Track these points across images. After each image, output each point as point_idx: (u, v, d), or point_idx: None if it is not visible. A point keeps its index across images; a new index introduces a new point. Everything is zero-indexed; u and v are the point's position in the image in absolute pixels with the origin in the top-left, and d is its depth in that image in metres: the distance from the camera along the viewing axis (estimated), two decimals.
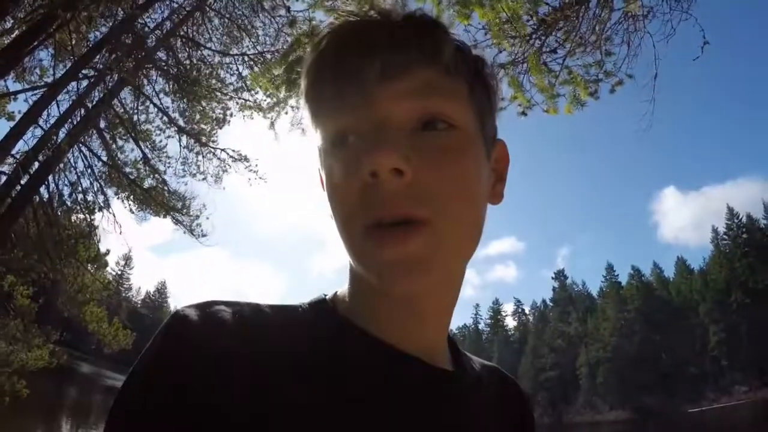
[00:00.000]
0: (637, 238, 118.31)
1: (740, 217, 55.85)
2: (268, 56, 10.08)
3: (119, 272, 61.37)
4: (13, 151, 9.41)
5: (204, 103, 10.74)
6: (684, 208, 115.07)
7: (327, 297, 0.56)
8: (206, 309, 0.47)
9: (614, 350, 56.73)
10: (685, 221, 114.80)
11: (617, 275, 64.78)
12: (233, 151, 11.44)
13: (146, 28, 10.61)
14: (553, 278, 72.75)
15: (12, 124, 9.55)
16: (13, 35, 8.92)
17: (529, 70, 5.77)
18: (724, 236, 56.21)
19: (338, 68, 0.49)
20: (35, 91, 9.77)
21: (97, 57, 10.11)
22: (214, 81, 10.77)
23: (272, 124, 4.61)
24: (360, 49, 0.48)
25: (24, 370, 10.29)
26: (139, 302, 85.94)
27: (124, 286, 66.92)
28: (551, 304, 71.29)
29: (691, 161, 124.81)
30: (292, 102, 4.25)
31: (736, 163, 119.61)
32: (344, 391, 0.46)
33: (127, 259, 63.96)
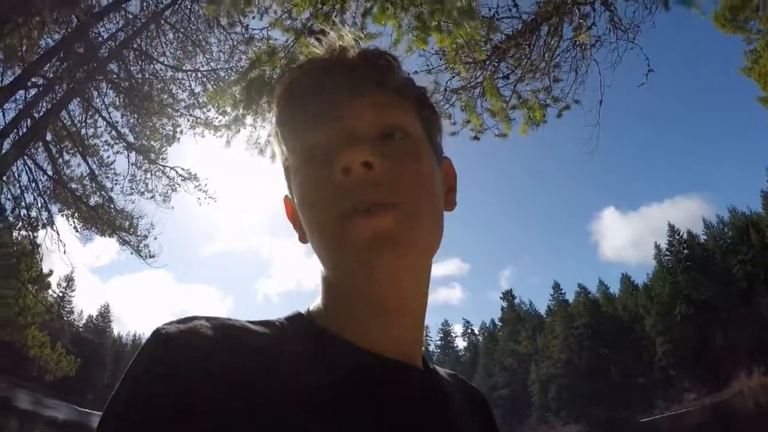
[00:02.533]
0: (579, 257, 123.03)
1: (681, 234, 58.76)
2: (222, 73, 9.97)
3: (61, 294, 58.18)
4: None
5: (155, 119, 10.44)
6: (623, 228, 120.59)
7: (303, 312, 0.58)
8: (187, 324, 0.47)
9: (564, 366, 58.08)
10: (625, 240, 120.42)
11: (564, 293, 66.67)
12: (183, 169, 11.22)
13: (99, 38, 10.29)
14: (501, 298, 73.90)
15: None
16: None
17: (483, 93, 5.98)
18: (667, 252, 58.90)
19: (308, 94, 0.56)
20: None
21: (48, 65, 9.71)
22: (165, 96, 10.49)
23: (228, 143, 4.55)
24: (326, 78, 0.56)
25: None
26: (82, 326, 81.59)
27: (66, 309, 63.29)
28: (500, 323, 72.25)
29: (630, 182, 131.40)
30: (249, 120, 4.22)
31: (673, 184, 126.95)
32: (332, 398, 0.47)
33: (69, 280, 60.74)
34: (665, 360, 52.50)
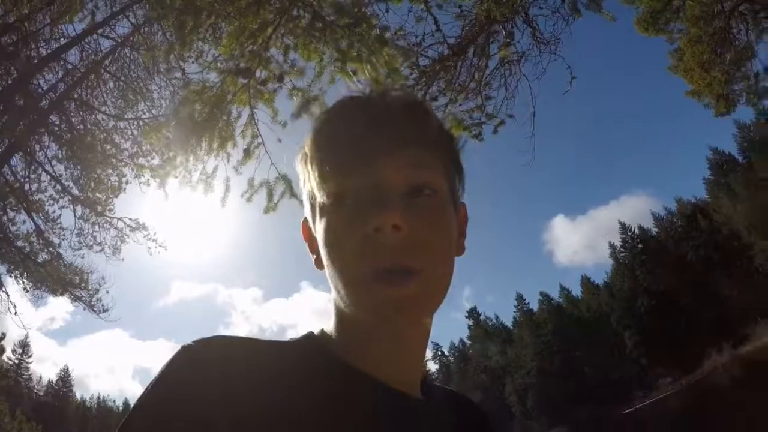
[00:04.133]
0: (536, 267, 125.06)
1: (633, 230, 60.98)
2: (163, 119, 9.97)
3: (17, 361, 54.99)
4: None
5: (99, 170, 10.31)
6: (575, 233, 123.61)
7: (315, 333, 0.65)
8: (209, 343, 0.54)
9: (539, 373, 58.65)
10: (579, 244, 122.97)
11: (528, 303, 67.89)
12: (130, 219, 11.12)
13: (39, 90, 10.19)
14: (466, 317, 74.42)
15: None
16: None
17: None
18: (621, 249, 60.88)
19: (349, 137, 0.59)
20: None
21: None
22: (108, 146, 10.41)
23: (162, 185, 4.67)
24: (365, 122, 0.60)
25: None
26: (42, 392, 77.19)
27: (24, 375, 59.84)
28: (469, 342, 72.86)
29: (574, 188, 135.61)
30: (180, 160, 4.34)
31: (617, 184, 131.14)
32: (340, 421, 0.53)
33: (25, 346, 57.52)
34: (636, 351, 53.89)
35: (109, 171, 10.70)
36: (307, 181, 0.64)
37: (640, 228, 61.35)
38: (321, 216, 0.61)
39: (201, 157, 4.25)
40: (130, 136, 10.77)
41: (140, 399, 0.49)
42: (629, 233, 60.94)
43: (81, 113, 10.47)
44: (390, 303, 0.54)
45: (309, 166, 0.62)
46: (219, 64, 4.62)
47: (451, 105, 7.02)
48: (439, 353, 78.88)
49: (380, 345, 0.60)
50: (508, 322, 70.55)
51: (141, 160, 10.18)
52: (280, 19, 3.95)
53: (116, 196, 10.90)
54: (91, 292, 11.22)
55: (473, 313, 73.90)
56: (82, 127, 10.44)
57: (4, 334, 12.13)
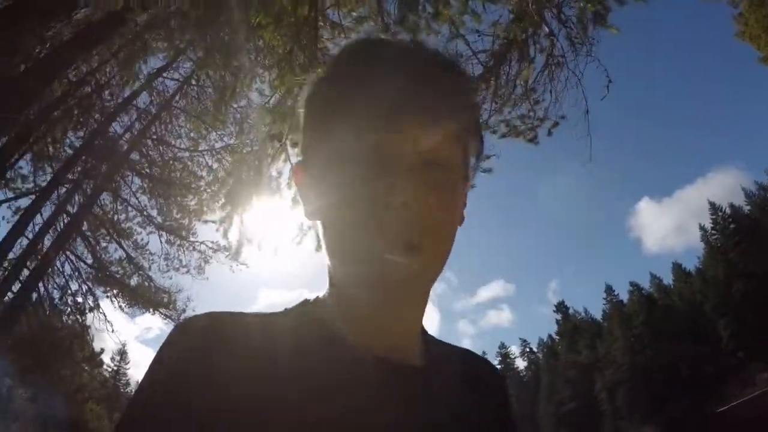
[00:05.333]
0: (625, 256, 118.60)
1: (723, 209, 56.39)
2: (235, 146, 10.60)
3: (116, 368, 59.98)
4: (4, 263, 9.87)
5: (179, 198, 11.27)
6: (662, 217, 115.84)
7: (310, 301, 0.65)
8: (205, 318, 0.55)
9: (630, 369, 55.51)
10: (667, 228, 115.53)
11: (617, 294, 64.36)
12: (212, 242, 11.92)
13: (117, 133, 11.29)
14: (554, 311, 72.02)
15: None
16: None
17: None
18: (713, 231, 56.52)
19: (376, 92, 0.55)
20: (18, 200, 10.33)
21: (77, 164, 10.69)
22: (185, 175, 11.32)
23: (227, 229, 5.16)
24: (400, 78, 0.55)
25: None
26: None
27: (122, 381, 65.12)
28: (557, 337, 70.30)
29: (658, 170, 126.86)
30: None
31: (702, 161, 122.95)
32: (321, 391, 0.53)
33: (122, 353, 62.64)
34: (732, 343, 49.94)
35: (189, 197, 11.61)
36: (318, 122, 0.60)
37: (732, 206, 56.50)
38: (329, 171, 0.58)
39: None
40: (206, 165, 11.68)
41: (137, 392, 0.51)
42: (720, 213, 56.28)
43: (159, 149, 11.51)
44: (393, 279, 0.55)
45: (325, 107, 0.59)
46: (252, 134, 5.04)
47: (497, 114, 6.96)
48: (527, 350, 77.12)
49: (376, 316, 0.60)
50: (597, 315, 67.57)
51: (217, 187, 10.95)
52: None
53: (199, 220, 11.77)
54: (179, 312, 12.31)
55: (561, 307, 71.54)
56: (160, 160, 11.47)
57: (102, 350, 13.46)
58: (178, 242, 12.13)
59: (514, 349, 79.74)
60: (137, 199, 11.79)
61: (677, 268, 62.60)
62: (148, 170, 11.40)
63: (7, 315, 9.68)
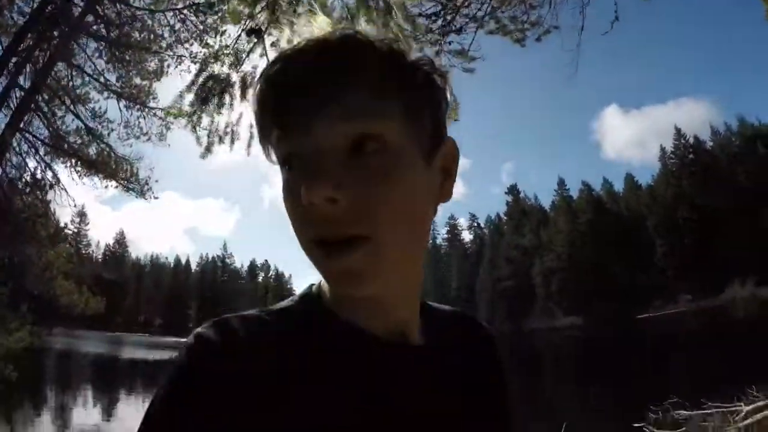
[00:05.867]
0: (582, 155, 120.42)
1: (687, 138, 58.09)
2: (201, 7, 9.75)
3: (75, 230, 59.65)
4: None
5: (139, 60, 10.50)
6: (626, 127, 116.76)
7: (314, 288, 0.61)
8: (220, 327, 0.52)
9: (567, 260, 59.88)
10: (628, 139, 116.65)
11: (568, 189, 67.39)
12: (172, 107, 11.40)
13: None
14: (506, 192, 75.29)
15: None
16: None
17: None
18: (672, 155, 58.57)
19: (279, 102, 0.52)
20: None
21: (27, 34, 9.63)
22: (146, 36, 10.44)
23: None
24: (297, 79, 0.51)
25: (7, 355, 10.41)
26: (100, 256, 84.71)
27: (83, 242, 65.44)
28: (505, 217, 73.92)
29: (633, 80, 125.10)
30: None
31: (679, 84, 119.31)
32: (327, 384, 0.51)
33: (82, 215, 62.03)
34: (664, 262, 54.21)
35: (149, 59, 10.93)
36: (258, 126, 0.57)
37: (696, 138, 58.37)
38: (281, 172, 0.55)
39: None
40: (167, 25, 10.70)
41: (153, 407, 0.48)
42: (683, 140, 58.18)
43: (116, 6, 10.33)
44: (332, 275, 0.51)
45: (258, 129, 0.56)
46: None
47: (491, 13, 6.71)
48: (475, 225, 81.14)
49: (362, 302, 0.55)
50: (546, 204, 71.07)
51: (180, 49, 10.22)
52: None
53: (159, 80, 11.23)
54: (141, 183, 12.02)
55: (513, 190, 74.87)
56: (118, 21, 10.39)
57: (66, 224, 13.28)
58: (137, 108, 11.56)
59: (462, 222, 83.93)
60: (93, 63, 10.84)
61: (630, 179, 65.77)
62: (104, 32, 10.29)
63: None
